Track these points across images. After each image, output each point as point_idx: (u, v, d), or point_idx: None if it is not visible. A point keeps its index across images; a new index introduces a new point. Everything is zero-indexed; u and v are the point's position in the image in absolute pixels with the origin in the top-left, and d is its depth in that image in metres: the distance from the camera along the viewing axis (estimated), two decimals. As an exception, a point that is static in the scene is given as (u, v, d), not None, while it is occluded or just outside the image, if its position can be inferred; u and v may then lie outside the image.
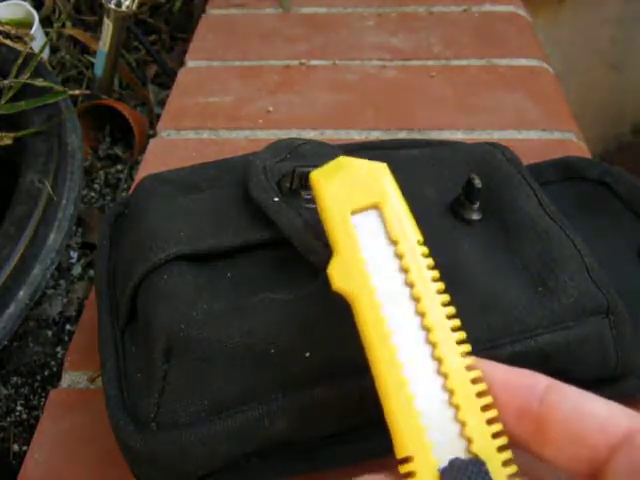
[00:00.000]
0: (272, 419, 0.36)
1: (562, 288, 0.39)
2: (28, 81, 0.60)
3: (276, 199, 0.40)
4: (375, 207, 0.27)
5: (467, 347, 0.25)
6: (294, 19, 0.87)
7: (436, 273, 0.26)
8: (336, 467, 0.39)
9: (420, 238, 0.27)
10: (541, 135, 0.67)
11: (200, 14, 0.89)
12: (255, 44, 0.82)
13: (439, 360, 0.25)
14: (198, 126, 0.70)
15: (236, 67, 0.79)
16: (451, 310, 0.26)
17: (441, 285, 0.26)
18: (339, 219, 0.27)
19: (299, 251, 0.38)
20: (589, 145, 0.67)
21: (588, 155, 0.64)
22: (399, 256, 0.26)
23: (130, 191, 0.54)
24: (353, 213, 0.27)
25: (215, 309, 0.37)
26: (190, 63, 0.80)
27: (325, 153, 0.46)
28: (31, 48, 0.64)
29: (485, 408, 0.25)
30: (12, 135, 0.57)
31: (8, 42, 0.63)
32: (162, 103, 0.80)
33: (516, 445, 0.25)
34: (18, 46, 0.63)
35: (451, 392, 0.25)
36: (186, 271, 0.39)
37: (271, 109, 0.71)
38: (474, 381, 0.25)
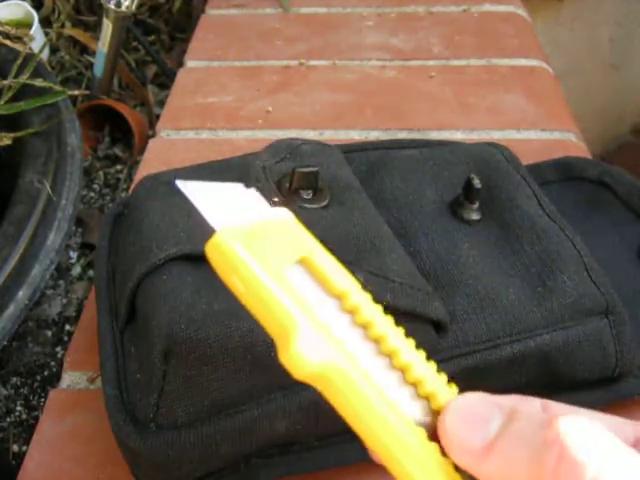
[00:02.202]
0: (272, 419, 0.36)
1: (561, 288, 0.39)
2: (27, 81, 0.60)
3: (276, 199, 0.40)
4: (300, 262, 0.23)
5: (454, 391, 0.24)
6: (294, 19, 0.87)
7: (391, 318, 0.23)
8: (336, 467, 0.39)
9: (360, 285, 0.24)
10: (541, 135, 0.67)
11: (199, 14, 0.89)
12: (254, 44, 0.82)
13: (427, 397, 0.23)
14: (197, 126, 0.70)
15: (235, 67, 0.79)
16: (423, 353, 0.24)
17: (402, 329, 0.24)
18: (276, 283, 0.21)
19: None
20: (589, 145, 0.67)
21: (588, 155, 0.64)
22: (351, 311, 0.23)
23: (129, 191, 0.54)
24: (282, 273, 0.22)
25: (215, 309, 0.37)
26: (189, 63, 0.80)
27: (324, 153, 0.46)
28: (30, 48, 0.64)
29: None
30: (11, 135, 0.57)
31: (8, 42, 0.63)
32: (161, 103, 0.80)
33: None
34: (18, 46, 0.63)
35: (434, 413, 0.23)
36: (186, 271, 0.39)
37: (270, 109, 0.71)
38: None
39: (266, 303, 0.21)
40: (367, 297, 0.23)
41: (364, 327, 0.23)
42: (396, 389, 0.23)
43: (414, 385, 0.23)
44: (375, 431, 0.21)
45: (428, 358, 0.24)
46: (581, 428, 0.19)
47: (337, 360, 0.21)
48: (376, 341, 0.23)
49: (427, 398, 0.23)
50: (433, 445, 0.22)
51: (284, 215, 0.25)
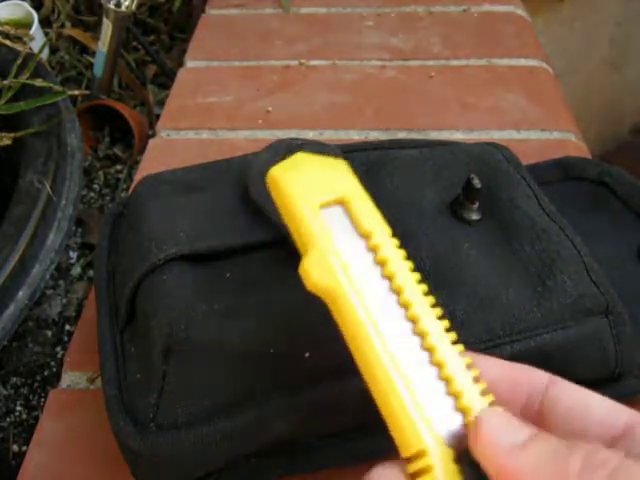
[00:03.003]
0: (272, 419, 0.36)
1: (561, 288, 0.39)
2: (27, 81, 0.60)
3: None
4: (340, 202, 0.26)
5: (454, 335, 0.25)
6: (294, 19, 0.87)
7: (411, 264, 0.26)
8: (336, 467, 0.39)
9: (390, 231, 0.26)
10: (540, 135, 0.67)
11: (199, 14, 0.89)
12: (254, 44, 0.82)
13: (430, 350, 0.25)
14: (197, 126, 0.70)
15: (235, 67, 0.79)
16: (432, 299, 0.25)
17: (418, 275, 0.26)
18: (309, 214, 0.25)
19: (298, 251, 0.38)
20: (588, 145, 0.67)
21: (587, 155, 0.64)
22: (373, 249, 0.26)
23: (129, 191, 0.54)
24: (320, 208, 0.26)
25: (214, 309, 0.37)
26: (189, 63, 0.80)
27: (325, 153, 0.46)
28: (30, 48, 0.64)
29: (484, 393, 0.25)
30: (11, 135, 0.57)
31: (7, 42, 0.63)
32: (161, 103, 0.80)
33: None
34: (17, 46, 0.63)
35: (448, 381, 0.24)
36: (185, 271, 0.39)
37: (270, 109, 0.71)
38: (468, 367, 0.25)
39: (297, 224, 0.26)
40: (395, 242, 0.26)
41: (383, 265, 0.25)
42: (401, 333, 0.25)
43: (412, 322, 0.25)
44: (362, 351, 0.24)
45: (441, 318, 0.25)
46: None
47: (339, 282, 0.25)
48: (396, 291, 0.25)
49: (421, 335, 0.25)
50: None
51: (339, 161, 0.28)
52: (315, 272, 0.25)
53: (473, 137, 0.66)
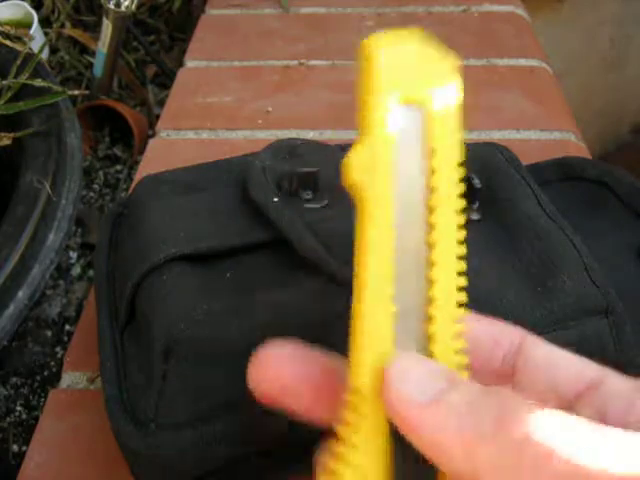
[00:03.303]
0: (272, 419, 0.36)
1: (561, 288, 0.39)
2: (27, 81, 0.60)
3: (276, 200, 0.40)
4: (423, 106, 0.23)
5: (463, 295, 0.23)
6: (293, 19, 0.87)
7: (461, 210, 0.23)
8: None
9: (460, 160, 0.24)
10: (540, 135, 0.67)
11: (199, 14, 0.89)
12: (254, 44, 0.82)
13: (431, 282, 0.23)
14: (197, 126, 0.70)
15: (235, 67, 0.79)
16: (461, 251, 0.23)
17: (462, 229, 0.23)
18: (381, 101, 0.23)
19: (298, 252, 0.38)
20: (588, 145, 0.67)
21: (587, 155, 0.64)
22: (430, 171, 0.23)
23: (129, 191, 0.54)
24: (399, 101, 0.23)
25: (215, 309, 0.37)
26: (189, 63, 0.80)
27: (324, 153, 0.46)
28: (30, 48, 0.64)
29: (458, 352, 0.23)
30: (11, 135, 0.57)
31: (7, 42, 0.63)
32: (161, 103, 0.80)
33: None
34: (17, 46, 0.63)
35: (430, 301, 0.23)
36: (186, 271, 0.39)
37: (270, 109, 0.71)
38: (459, 307, 0.23)
39: (365, 106, 0.23)
40: (459, 174, 0.23)
41: (431, 192, 0.23)
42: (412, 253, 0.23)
43: (429, 263, 0.23)
44: (364, 259, 0.22)
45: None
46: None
47: (371, 184, 0.22)
48: (430, 210, 0.23)
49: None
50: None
51: (451, 61, 0.25)
52: (356, 165, 0.23)
53: (473, 137, 0.66)
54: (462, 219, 0.23)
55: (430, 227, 0.23)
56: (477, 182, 0.42)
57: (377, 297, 0.22)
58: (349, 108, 0.77)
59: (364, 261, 0.22)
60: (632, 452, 0.18)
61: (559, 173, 0.56)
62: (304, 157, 0.44)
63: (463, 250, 0.23)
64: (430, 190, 0.23)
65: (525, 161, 0.50)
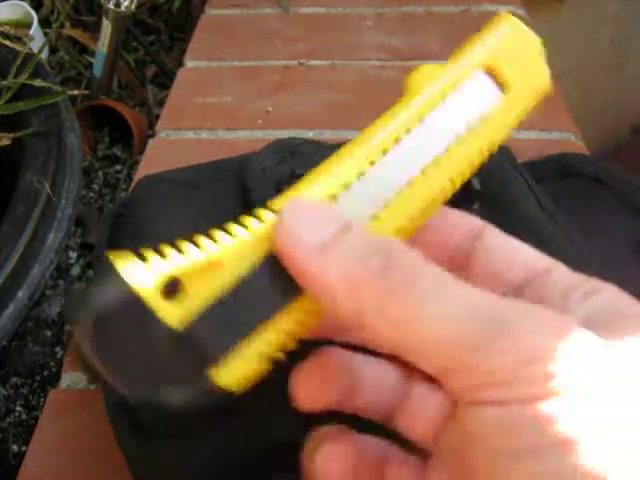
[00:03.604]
0: (275, 423, 0.36)
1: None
2: (27, 81, 0.60)
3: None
4: (506, 87, 0.25)
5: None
6: (293, 19, 0.87)
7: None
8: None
9: (496, 144, 0.25)
10: (540, 135, 0.67)
11: (199, 14, 0.89)
12: (254, 44, 0.82)
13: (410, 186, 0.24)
14: (197, 126, 0.70)
15: (235, 67, 0.79)
16: (450, 187, 0.25)
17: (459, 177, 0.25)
18: (468, 64, 0.26)
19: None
20: (588, 145, 0.67)
21: (587, 155, 0.64)
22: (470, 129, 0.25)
23: (129, 191, 0.54)
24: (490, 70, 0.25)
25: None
26: (189, 63, 0.80)
27: (324, 153, 0.46)
28: (30, 48, 0.64)
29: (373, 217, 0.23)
30: (11, 135, 0.57)
31: (7, 42, 0.63)
32: (161, 103, 0.80)
33: None
34: (17, 46, 0.63)
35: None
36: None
37: (270, 109, 0.71)
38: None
39: (468, 46, 0.27)
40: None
41: None
42: None
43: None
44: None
45: None
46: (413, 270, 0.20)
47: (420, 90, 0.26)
48: None
49: None
50: None
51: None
52: (427, 71, 0.27)
53: (472, 137, 0.66)
54: (460, 178, 0.24)
55: (435, 159, 0.24)
56: (476, 183, 0.42)
57: (356, 159, 0.24)
58: (349, 108, 0.77)
59: (370, 129, 0.25)
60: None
61: (556, 170, 0.56)
62: (304, 157, 0.44)
63: (447, 193, 0.24)
64: (457, 140, 0.24)
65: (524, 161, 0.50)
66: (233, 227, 0.23)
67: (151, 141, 0.69)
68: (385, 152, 0.25)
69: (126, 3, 0.73)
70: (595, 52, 1.38)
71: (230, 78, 0.77)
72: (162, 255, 0.22)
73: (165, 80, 0.89)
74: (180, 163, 0.50)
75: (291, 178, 0.41)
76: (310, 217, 0.21)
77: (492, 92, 0.25)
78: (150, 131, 0.80)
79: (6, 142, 0.57)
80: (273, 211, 0.23)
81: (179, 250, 0.22)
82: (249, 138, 0.68)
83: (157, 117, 0.74)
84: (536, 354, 0.18)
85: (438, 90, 0.25)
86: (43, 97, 0.60)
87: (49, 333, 0.61)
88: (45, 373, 0.59)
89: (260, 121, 0.70)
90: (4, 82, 0.60)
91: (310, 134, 0.68)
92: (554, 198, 0.45)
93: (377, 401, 0.26)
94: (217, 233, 0.22)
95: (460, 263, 0.25)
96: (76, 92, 0.68)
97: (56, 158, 0.56)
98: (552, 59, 0.79)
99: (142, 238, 0.41)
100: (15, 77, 0.61)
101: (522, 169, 0.47)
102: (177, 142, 0.68)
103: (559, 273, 0.24)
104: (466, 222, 0.26)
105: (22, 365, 0.59)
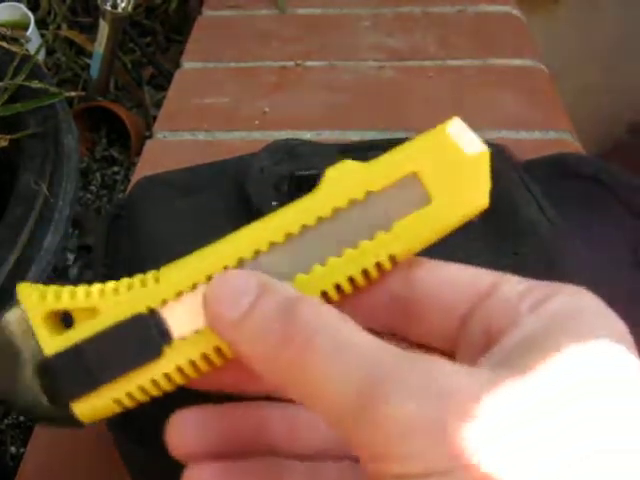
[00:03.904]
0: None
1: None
2: (24, 83, 0.60)
3: (274, 203, 0.40)
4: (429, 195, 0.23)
5: None
6: (290, 20, 0.87)
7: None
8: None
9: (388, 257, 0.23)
10: (536, 135, 0.67)
11: (196, 15, 0.89)
12: (251, 45, 0.82)
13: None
14: (194, 127, 0.70)
15: (232, 68, 0.79)
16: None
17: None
18: (396, 166, 0.24)
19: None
20: (585, 145, 0.67)
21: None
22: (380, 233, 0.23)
23: (127, 192, 0.54)
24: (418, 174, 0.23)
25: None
26: (186, 64, 0.80)
27: (322, 154, 0.46)
28: (27, 50, 0.64)
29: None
30: (8, 137, 0.57)
31: (4, 44, 0.63)
32: (158, 104, 0.80)
33: (394, 335, 0.24)
34: (14, 48, 0.63)
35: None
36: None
37: (267, 110, 0.71)
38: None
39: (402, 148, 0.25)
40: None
41: None
42: None
43: None
44: None
45: None
46: (321, 325, 0.20)
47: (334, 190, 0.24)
48: None
49: None
50: None
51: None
52: (340, 170, 0.25)
53: (470, 137, 0.66)
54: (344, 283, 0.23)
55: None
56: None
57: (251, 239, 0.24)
58: (345, 108, 0.77)
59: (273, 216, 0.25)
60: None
61: (554, 170, 0.56)
62: (302, 158, 0.44)
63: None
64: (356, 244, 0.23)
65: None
66: (122, 282, 0.25)
67: (148, 142, 0.69)
68: (288, 236, 0.24)
69: (123, 4, 0.73)
70: (591, 52, 1.38)
71: (227, 79, 0.77)
72: (59, 291, 0.25)
73: (162, 81, 0.89)
74: (177, 164, 0.50)
75: (290, 180, 0.41)
76: (230, 289, 0.22)
77: (415, 201, 0.23)
78: (147, 132, 0.80)
79: (3, 144, 0.57)
80: (157, 278, 0.25)
81: (73, 290, 0.25)
82: (246, 139, 0.68)
83: (154, 118, 0.74)
84: (407, 427, 0.17)
85: (355, 189, 0.24)
86: (40, 98, 0.59)
87: (47, 335, 0.61)
88: (43, 375, 0.59)
89: (257, 122, 0.70)
90: (1, 83, 0.60)
91: (307, 135, 0.68)
92: (552, 199, 0.45)
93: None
94: (107, 285, 0.24)
95: (401, 307, 0.23)
96: (73, 93, 0.68)
97: (53, 159, 0.56)
98: (548, 59, 0.79)
99: (139, 239, 0.41)
100: (12, 78, 0.61)
101: (520, 171, 0.47)
102: (174, 143, 0.68)
103: (508, 286, 0.22)
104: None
105: (20, 367, 0.59)
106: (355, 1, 0.89)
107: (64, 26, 0.90)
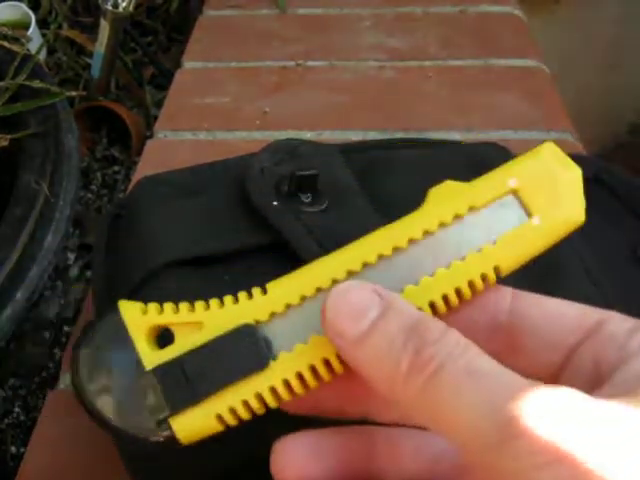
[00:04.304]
0: (275, 426, 0.36)
1: (561, 292, 0.38)
2: (25, 82, 0.60)
3: (275, 203, 0.40)
4: (529, 211, 0.25)
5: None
6: (290, 20, 0.87)
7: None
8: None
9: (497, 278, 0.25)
10: (537, 135, 0.67)
11: (196, 15, 0.89)
12: (252, 45, 0.82)
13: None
14: (195, 127, 0.70)
15: (233, 68, 0.79)
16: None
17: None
18: (496, 185, 0.25)
19: (298, 255, 0.38)
20: (586, 145, 0.67)
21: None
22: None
23: (127, 192, 0.54)
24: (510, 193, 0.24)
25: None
26: (187, 64, 0.80)
27: (323, 154, 0.46)
28: (28, 49, 0.64)
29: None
30: (9, 136, 0.57)
31: (5, 43, 0.63)
32: (159, 104, 0.80)
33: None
34: (15, 47, 0.63)
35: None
36: (185, 276, 0.39)
37: (268, 110, 0.71)
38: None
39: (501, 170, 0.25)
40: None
41: None
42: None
43: None
44: None
45: None
46: (451, 356, 0.20)
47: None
48: None
49: None
50: None
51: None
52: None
53: (470, 137, 0.67)
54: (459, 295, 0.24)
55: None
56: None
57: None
58: (346, 108, 0.77)
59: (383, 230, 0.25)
60: None
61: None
62: (303, 158, 0.44)
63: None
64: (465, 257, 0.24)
65: (523, 161, 0.50)
66: (227, 297, 0.25)
67: (149, 142, 0.69)
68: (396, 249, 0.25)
69: (124, 4, 0.73)
70: (592, 52, 1.38)
71: (228, 79, 0.77)
72: (160, 307, 0.25)
73: (163, 81, 0.89)
74: (178, 164, 0.50)
75: (290, 180, 0.41)
76: (353, 303, 0.22)
77: (516, 217, 0.25)
78: (148, 132, 0.80)
79: (4, 143, 0.57)
80: (264, 290, 0.25)
81: (176, 305, 0.25)
82: (247, 139, 0.68)
83: (155, 118, 0.74)
84: (552, 455, 0.17)
85: (459, 207, 0.25)
86: (41, 98, 0.59)
87: (47, 334, 0.61)
88: (43, 374, 0.59)
89: (258, 122, 0.70)
90: (2, 83, 0.60)
91: (308, 135, 0.68)
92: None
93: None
94: (212, 300, 0.25)
95: (503, 338, 0.24)
96: (74, 93, 0.68)
97: (54, 159, 0.56)
98: (549, 59, 0.79)
99: (141, 241, 0.41)
100: (13, 78, 0.61)
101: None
102: (175, 143, 0.68)
103: (613, 323, 0.23)
104: (497, 295, 0.25)
105: (20, 366, 0.59)
106: (356, 1, 0.88)
107: (65, 26, 0.90)
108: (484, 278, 0.24)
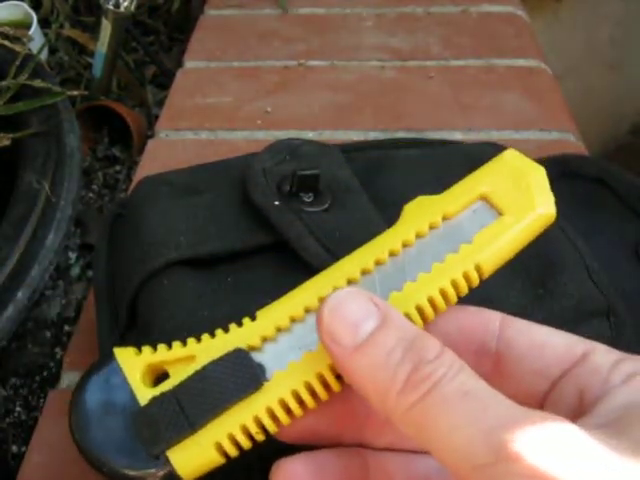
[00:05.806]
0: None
1: (562, 290, 0.38)
2: (26, 82, 0.60)
3: (277, 202, 0.40)
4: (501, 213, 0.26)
5: None
6: (292, 19, 0.87)
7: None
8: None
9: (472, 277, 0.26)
10: (539, 135, 0.67)
11: (198, 15, 0.89)
12: (253, 45, 0.82)
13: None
14: (196, 127, 0.70)
15: (234, 68, 0.78)
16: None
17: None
18: (466, 192, 0.27)
19: (300, 255, 0.38)
20: (587, 145, 0.67)
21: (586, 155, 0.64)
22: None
23: (128, 192, 0.54)
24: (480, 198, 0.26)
25: (216, 316, 0.37)
26: (188, 64, 0.80)
27: (324, 153, 0.46)
28: (29, 49, 0.64)
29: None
30: (10, 136, 0.57)
31: (6, 43, 0.63)
32: (160, 104, 0.80)
33: None
34: (16, 47, 0.63)
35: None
36: (186, 276, 0.39)
37: (269, 110, 0.71)
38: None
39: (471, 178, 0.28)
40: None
41: None
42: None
43: None
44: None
45: None
46: (450, 376, 0.20)
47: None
48: None
49: None
50: None
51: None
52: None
53: (472, 137, 0.67)
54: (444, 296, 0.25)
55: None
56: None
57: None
58: (348, 108, 0.77)
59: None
60: None
61: (557, 170, 0.56)
62: (304, 158, 0.44)
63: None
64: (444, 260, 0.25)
65: (524, 162, 0.50)
66: (218, 329, 0.25)
67: (150, 141, 0.69)
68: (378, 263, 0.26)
69: (125, 4, 0.73)
70: (594, 52, 1.38)
71: (229, 78, 0.77)
72: (154, 348, 0.26)
73: (164, 80, 0.89)
74: (179, 163, 0.50)
75: (292, 180, 0.41)
76: (349, 313, 0.22)
77: (489, 218, 0.26)
78: (149, 131, 0.80)
79: (5, 143, 0.57)
80: (253, 317, 0.25)
81: (169, 345, 0.26)
82: (248, 138, 0.68)
83: (156, 117, 0.74)
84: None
85: (433, 217, 0.26)
86: (42, 98, 0.59)
87: (48, 334, 0.61)
88: (44, 374, 0.59)
89: (259, 121, 0.70)
90: (3, 83, 0.60)
91: (310, 134, 0.68)
92: (555, 199, 0.45)
93: None
94: (204, 335, 0.25)
95: (489, 363, 0.25)
96: (75, 93, 0.68)
97: (55, 159, 0.56)
98: (551, 59, 0.79)
99: (142, 240, 0.41)
100: (14, 78, 0.61)
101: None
102: (176, 142, 0.68)
103: (598, 355, 0.23)
104: (487, 320, 0.26)
105: (21, 366, 0.59)
106: (357, 1, 0.88)
107: (67, 25, 0.90)
108: (467, 277, 0.25)
